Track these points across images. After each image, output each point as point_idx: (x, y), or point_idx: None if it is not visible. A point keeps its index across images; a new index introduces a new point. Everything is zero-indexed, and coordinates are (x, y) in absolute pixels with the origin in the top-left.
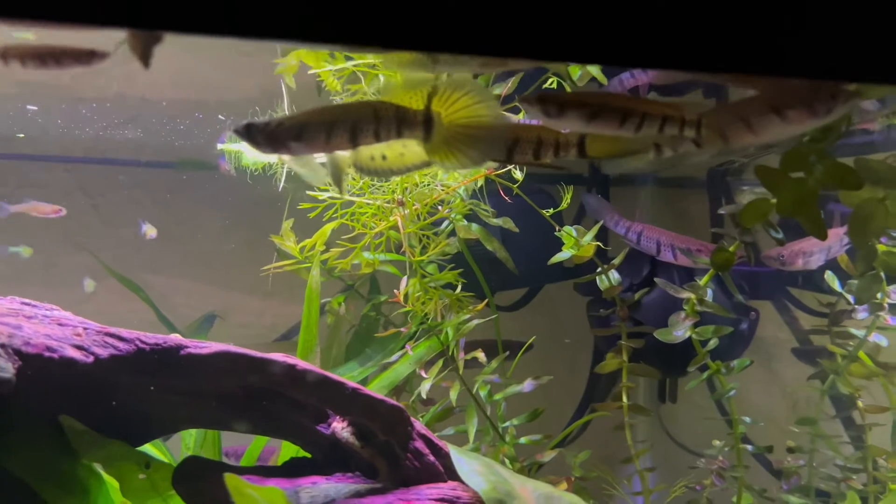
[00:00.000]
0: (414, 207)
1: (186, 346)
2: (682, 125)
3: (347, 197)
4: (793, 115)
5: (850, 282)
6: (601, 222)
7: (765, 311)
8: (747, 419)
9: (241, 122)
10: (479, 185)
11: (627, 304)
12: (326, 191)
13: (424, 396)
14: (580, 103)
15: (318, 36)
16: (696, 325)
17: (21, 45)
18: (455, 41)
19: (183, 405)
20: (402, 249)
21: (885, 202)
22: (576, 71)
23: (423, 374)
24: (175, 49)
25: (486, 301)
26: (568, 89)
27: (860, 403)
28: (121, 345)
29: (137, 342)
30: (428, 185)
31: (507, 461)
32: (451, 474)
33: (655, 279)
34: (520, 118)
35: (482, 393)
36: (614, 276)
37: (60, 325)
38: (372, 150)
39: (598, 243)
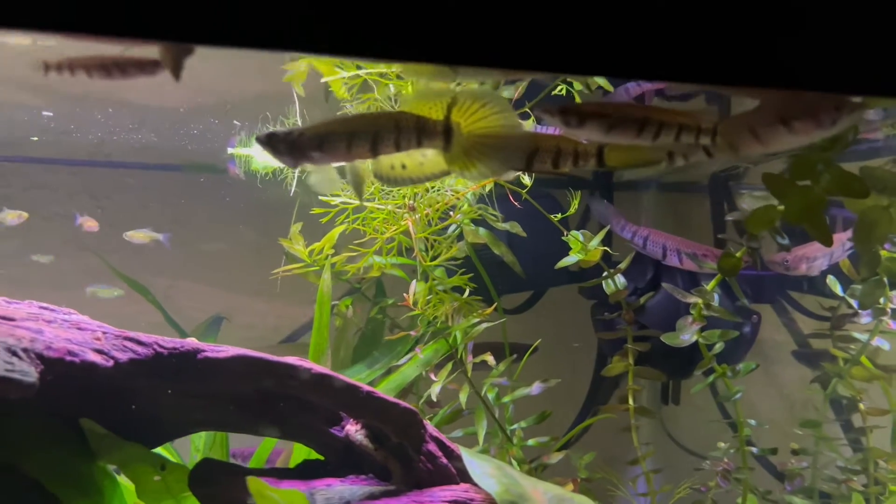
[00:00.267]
0: (425, 213)
1: (204, 350)
2: (698, 133)
3: (359, 202)
4: (799, 126)
5: (852, 286)
6: (608, 227)
7: (763, 315)
8: (752, 422)
9: (263, 131)
10: (487, 189)
11: (633, 308)
12: (338, 195)
13: (435, 399)
14: (600, 114)
15: (341, 49)
16: (702, 329)
17: (86, 57)
18: (472, 55)
19: (199, 408)
20: (414, 254)
21: (889, 210)
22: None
23: (433, 377)
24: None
25: (494, 305)
26: (577, 97)
27: (861, 406)
28: (139, 349)
29: (155, 346)
30: (438, 190)
31: (514, 463)
32: (463, 476)
33: (663, 284)
34: (527, 125)
35: (490, 395)
36: (620, 280)
37: (80, 329)
38: (392, 160)
39: (606, 248)
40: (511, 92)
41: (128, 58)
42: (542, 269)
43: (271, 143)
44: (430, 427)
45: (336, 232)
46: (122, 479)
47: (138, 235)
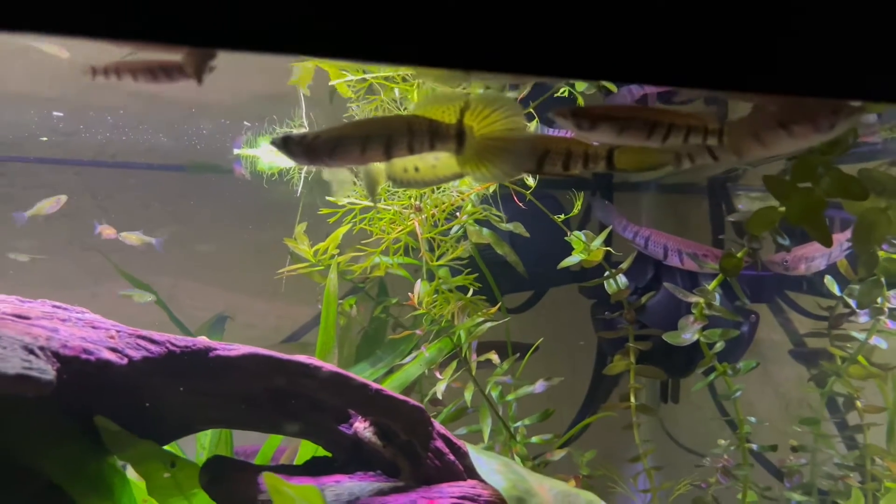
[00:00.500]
0: (431, 213)
1: (215, 349)
2: (706, 135)
3: (368, 203)
4: (798, 131)
5: (850, 286)
6: (610, 227)
7: (760, 314)
8: (752, 419)
9: (278, 134)
10: (491, 190)
11: (634, 308)
12: (347, 196)
13: (440, 397)
14: (611, 116)
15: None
16: (703, 329)
17: (132, 61)
18: (482, 61)
19: (211, 406)
20: (420, 255)
21: (887, 211)
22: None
23: (438, 376)
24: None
25: (498, 304)
26: (580, 99)
27: (859, 404)
28: (153, 347)
29: (168, 344)
30: (444, 191)
31: (518, 459)
32: (469, 473)
33: (664, 284)
34: (532, 126)
35: (493, 393)
36: (622, 279)
37: (94, 327)
38: (405, 163)
39: (608, 248)
40: (515, 95)
41: (174, 62)
42: (544, 269)
43: (287, 146)
44: (437, 424)
45: (341, 231)
46: (131, 477)
47: (131, 237)
